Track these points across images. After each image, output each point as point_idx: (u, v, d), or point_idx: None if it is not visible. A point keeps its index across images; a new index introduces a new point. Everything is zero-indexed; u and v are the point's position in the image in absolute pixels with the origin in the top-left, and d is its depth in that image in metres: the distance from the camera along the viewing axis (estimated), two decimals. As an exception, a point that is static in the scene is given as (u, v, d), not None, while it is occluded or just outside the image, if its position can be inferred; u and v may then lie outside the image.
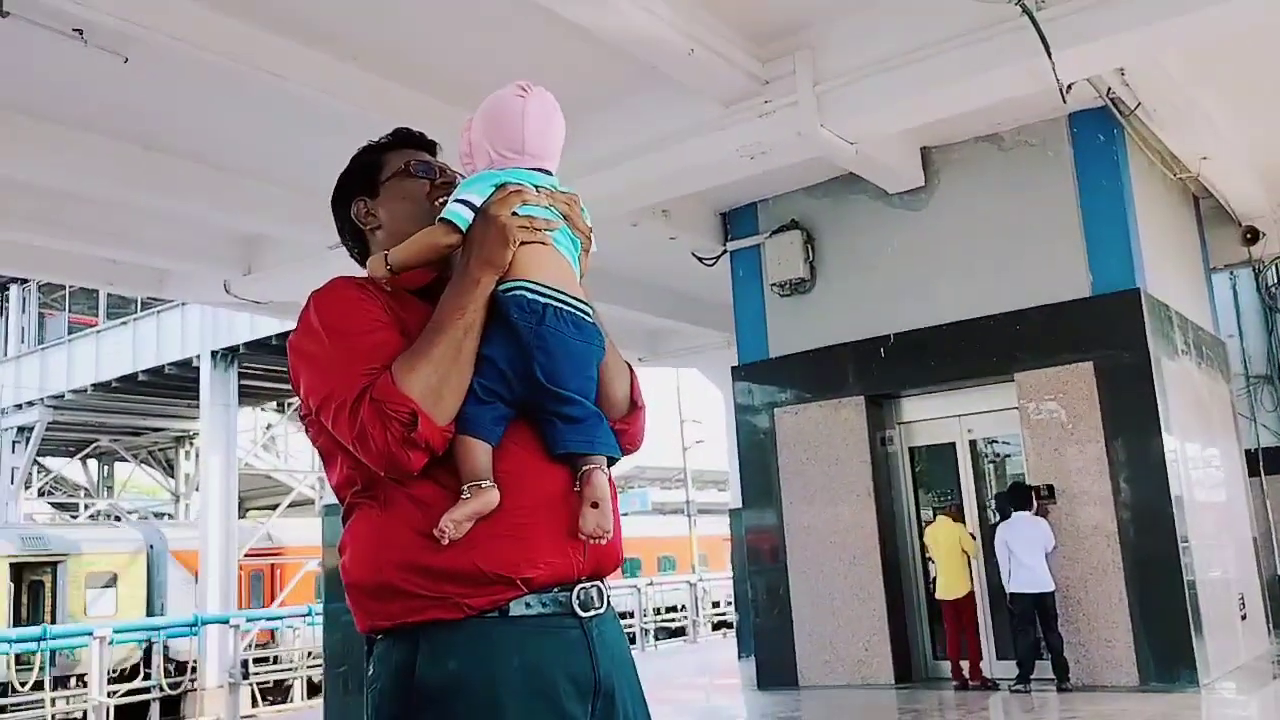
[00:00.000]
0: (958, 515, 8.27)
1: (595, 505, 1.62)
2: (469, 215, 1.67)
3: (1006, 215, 8.12)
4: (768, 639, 9.00)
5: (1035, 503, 7.70)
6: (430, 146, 1.94)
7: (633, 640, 18.71)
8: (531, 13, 5.33)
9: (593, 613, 1.61)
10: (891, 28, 6.14)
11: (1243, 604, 8.83)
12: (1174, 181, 9.10)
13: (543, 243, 1.69)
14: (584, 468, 1.65)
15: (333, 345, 1.62)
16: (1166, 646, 7.23)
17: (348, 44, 5.96)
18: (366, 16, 5.83)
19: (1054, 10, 5.48)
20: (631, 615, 18.83)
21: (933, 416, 8.77)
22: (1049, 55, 5.53)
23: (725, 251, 9.58)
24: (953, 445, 8.71)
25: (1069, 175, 7.90)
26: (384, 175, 1.86)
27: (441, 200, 1.75)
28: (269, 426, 25.50)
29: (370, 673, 1.60)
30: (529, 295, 1.64)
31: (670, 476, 41.06)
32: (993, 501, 8.36)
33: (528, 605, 1.55)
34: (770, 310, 9.26)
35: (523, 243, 1.66)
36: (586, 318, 1.69)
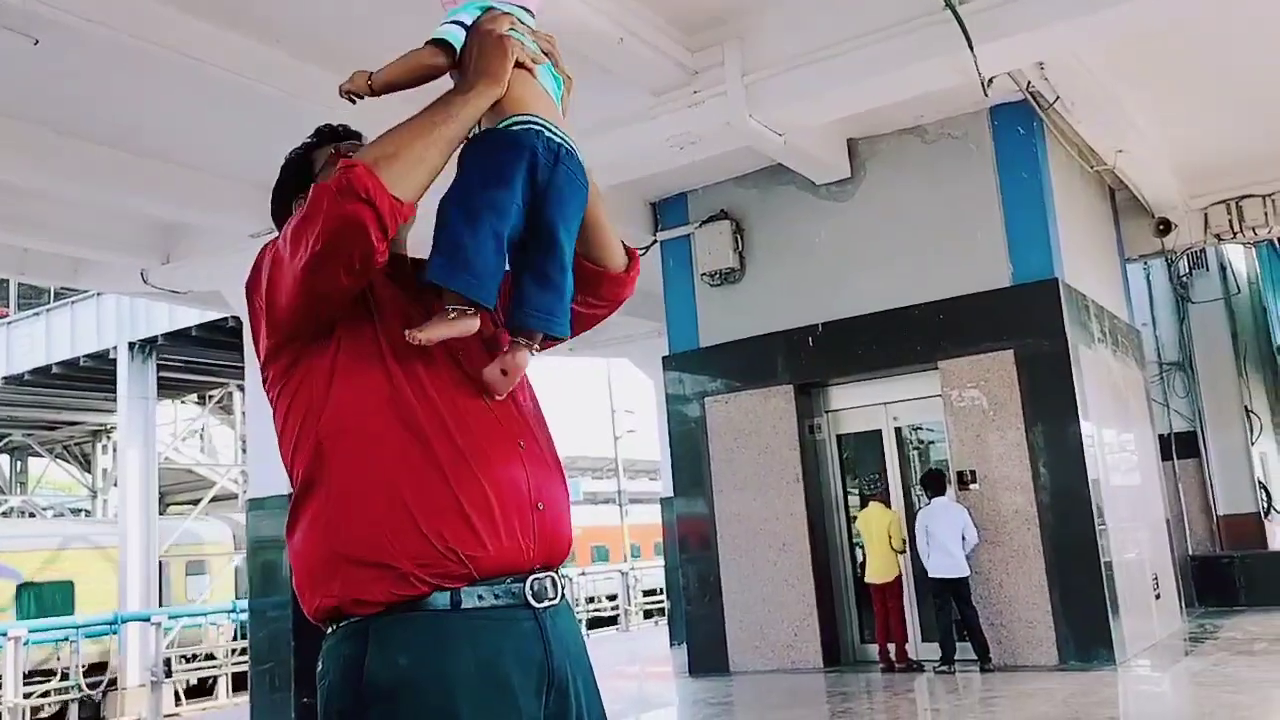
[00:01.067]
0: (888, 501, 8.43)
1: (505, 372, 1.62)
2: (461, 34, 1.62)
3: (930, 206, 8.26)
4: (699, 626, 9.07)
5: (951, 488, 7.89)
6: (356, 136, 1.90)
7: (615, 620, 18.75)
8: None
9: (546, 604, 1.58)
10: (819, 20, 6.20)
11: (1157, 584, 9.14)
12: (1091, 174, 9.35)
13: (531, 73, 1.65)
14: (517, 339, 1.62)
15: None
16: (1084, 626, 7.45)
17: (271, 28, 5.82)
18: (294, 2, 5.71)
19: (976, 4, 5.59)
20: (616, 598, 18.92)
21: (860, 404, 8.90)
22: (971, 48, 5.64)
23: (655, 241, 9.60)
24: (879, 432, 8.86)
25: (990, 167, 8.06)
26: (316, 170, 1.83)
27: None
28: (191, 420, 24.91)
29: (320, 667, 1.56)
30: (547, 133, 1.58)
31: (602, 466, 41.10)
32: (918, 487, 8.52)
33: (480, 597, 1.52)
34: (700, 300, 9.30)
35: (515, 67, 1.61)
36: (582, 160, 1.65)
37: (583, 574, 21.73)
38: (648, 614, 22.23)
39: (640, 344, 12.97)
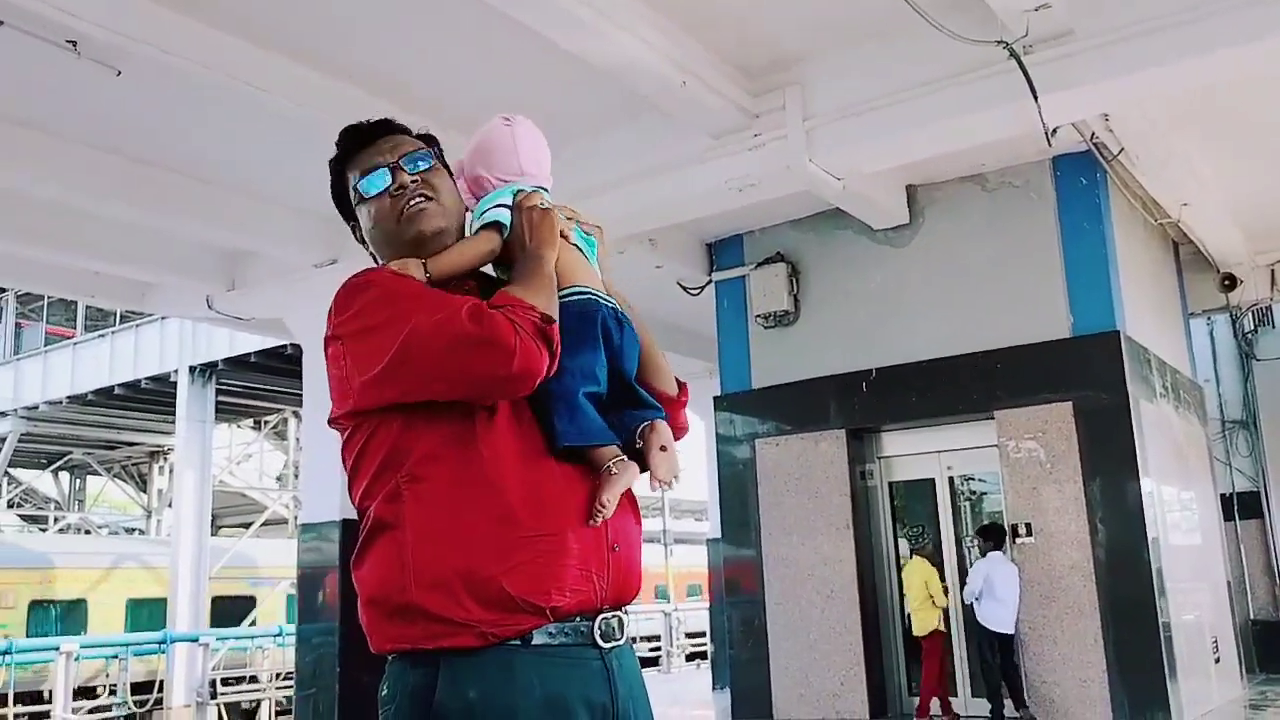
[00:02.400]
0: (932, 556, 8.32)
1: (664, 449, 1.68)
2: (508, 216, 1.76)
3: (989, 255, 8.19)
4: (743, 670, 8.96)
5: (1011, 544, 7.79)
6: (375, 134, 1.86)
7: (656, 662, 18.66)
8: (526, 39, 5.36)
9: (613, 644, 1.60)
10: (881, 66, 6.21)
11: (1216, 647, 8.86)
12: (1154, 227, 9.21)
13: (568, 239, 1.80)
14: (640, 426, 1.70)
15: (403, 299, 1.58)
16: (1140, 688, 7.24)
17: (337, 61, 5.97)
18: (360, 35, 5.85)
19: (1041, 54, 5.57)
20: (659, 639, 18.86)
21: (913, 452, 8.80)
22: (1035, 99, 5.61)
23: (710, 282, 9.62)
24: (932, 481, 8.74)
25: (1051, 217, 7.98)
26: (351, 199, 1.84)
27: (405, 207, 1.75)
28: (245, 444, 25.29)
29: (384, 692, 1.57)
30: (602, 301, 1.76)
31: (648, 505, 40.94)
32: (971, 539, 8.38)
33: (550, 634, 1.53)
34: (754, 341, 9.28)
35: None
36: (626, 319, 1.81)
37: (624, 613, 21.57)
38: (689, 657, 22.01)
39: (692, 384, 12.84)
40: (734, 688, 9.10)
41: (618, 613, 1.62)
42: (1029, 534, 7.72)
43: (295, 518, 20.06)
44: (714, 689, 11.79)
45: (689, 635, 22.68)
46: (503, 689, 1.48)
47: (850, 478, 8.58)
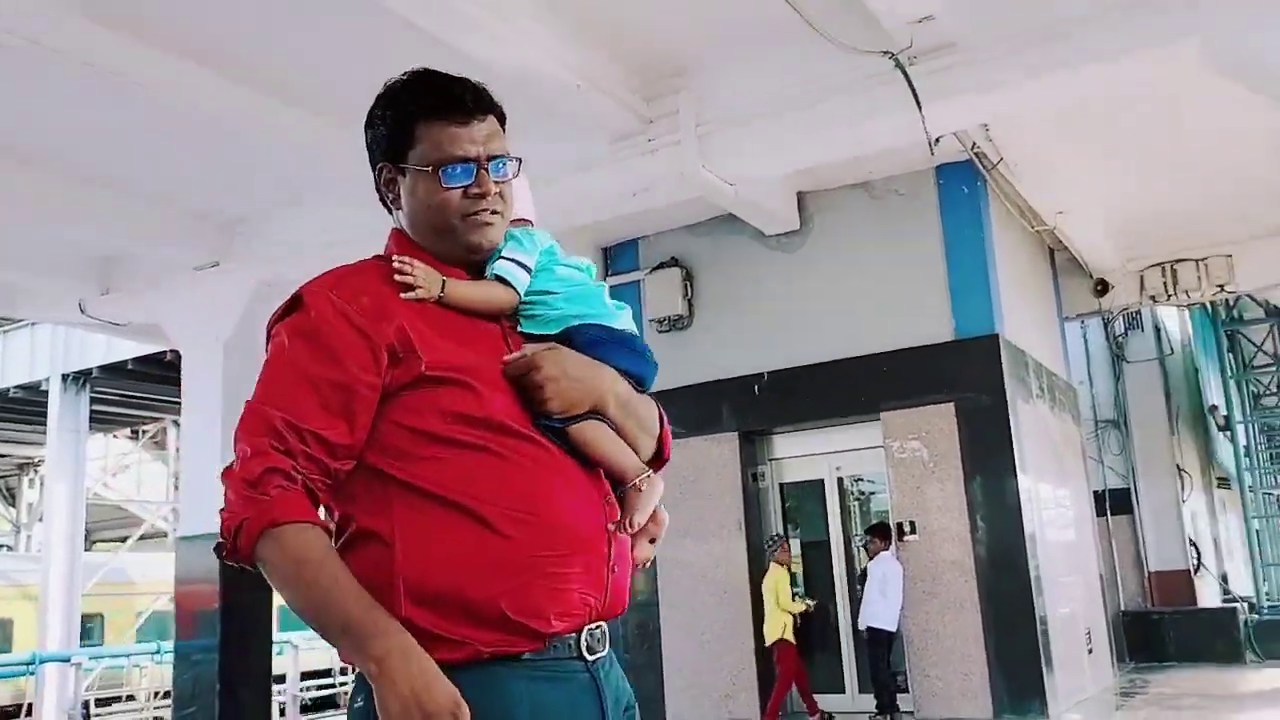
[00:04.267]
0: (784, 561, 8.27)
1: (653, 541, 1.67)
2: (525, 278, 1.68)
3: (876, 260, 8.40)
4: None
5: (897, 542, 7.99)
6: (471, 107, 1.65)
7: None
8: (420, 42, 5.28)
9: (597, 656, 1.54)
10: (772, 74, 6.31)
11: (1089, 638, 9.25)
12: (1032, 234, 9.59)
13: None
14: (638, 479, 1.63)
15: (291, 365, 1.51)
16: (1018, 679, 7.50)
17: (223, 58, 5.78)
18: (249, 33, 5.68)
19: (925, 65, 5.73)
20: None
21: (803, 453, 8.96)
22: (919, 108, 5.78)
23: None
24: (821, 482, 8.91)
25: (935, 224, 8.24)
26: (412, 156, 1.63)
27: (476, 215, 1.62)
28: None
29: (358, 704, 1.47)
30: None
31: (543, 511, 40.67)
32: (860, 537, 8.57)
33: (539, 651, 1.48)
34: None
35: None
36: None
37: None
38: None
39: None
40: (629, 691, 9.10)
41: (602, 624, 1.56)
42: (913, 532, 7.94)
43: (174, 530, 19.34)
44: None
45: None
46: (489, 705, 1.41)
47: (742, 480, 8.70)
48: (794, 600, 8.14)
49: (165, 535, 21.56)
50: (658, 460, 1.73)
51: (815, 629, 8.66)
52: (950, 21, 5.50)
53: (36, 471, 23.92)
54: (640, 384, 1.73)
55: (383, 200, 1.73)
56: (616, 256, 9.65)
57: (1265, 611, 12.75)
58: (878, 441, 8.20)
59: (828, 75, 6.03)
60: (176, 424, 20.06)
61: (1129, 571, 12.09)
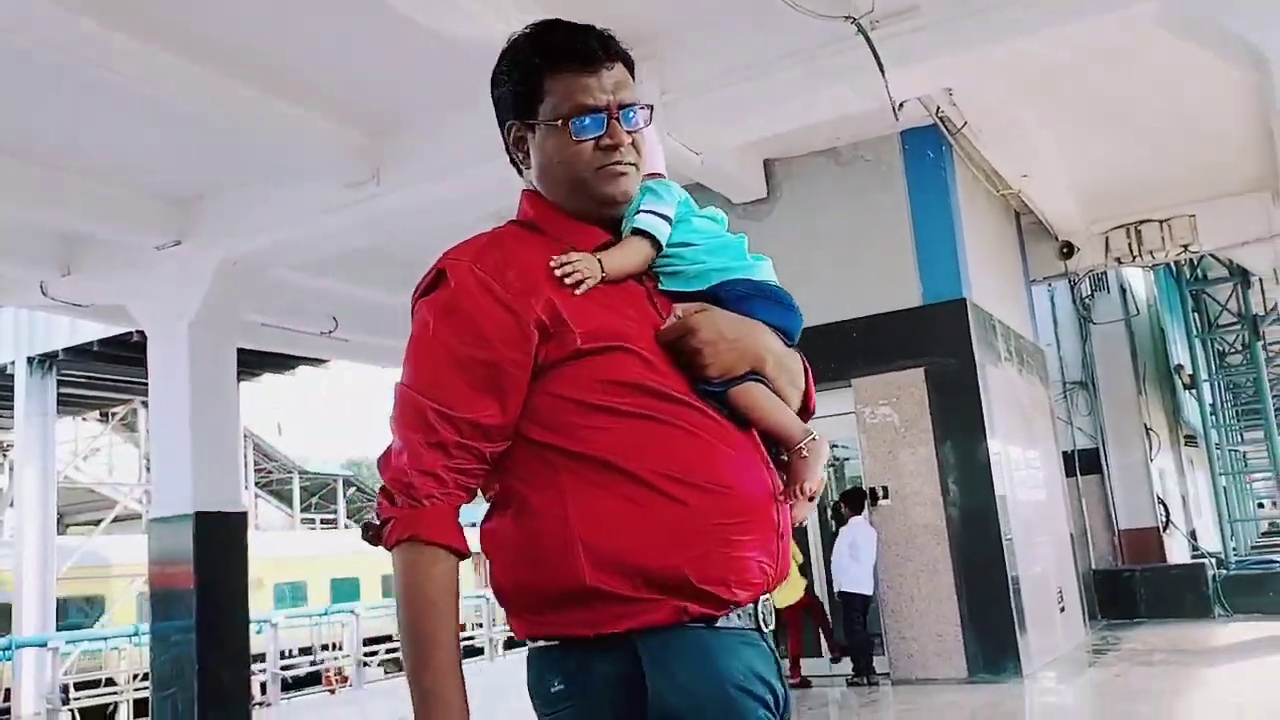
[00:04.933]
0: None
1: (812, 499, 1.58)
2: (666, 228, 1.61)
3: (844, 227, 8.41)
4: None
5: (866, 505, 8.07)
6: (599, 54, 1.57)
7: (480, 651, 18.44)
8: (388, 15, 5.22)
9: (770, 628, 1.50)
10: (737, 42, 6.28)
11: (1061, 598, 9.39)
12: (997, 198, 9.62)
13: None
14: (805, 440, 1.56)
15: (432, 340, 1.47)
16: (992, 640, 7.61)
17: (178, 36, 5.68)
18: (205, 9, 5.58)
19: (887, 30, 5.71)
20: (480, 626, 18.61)
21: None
22: (882, 74, 5.77)
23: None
24: (795, 449, 8.94)
25: (901, 190, 8.25)
26: (542, 110, 1.58)
27: (610, 166, 1.55)
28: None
29: (558, 688, 1.43)
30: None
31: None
32: (835, 504, 8.64)
33: (731, 619, 1.43)
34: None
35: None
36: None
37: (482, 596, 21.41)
38: (508, 644, 21.79)
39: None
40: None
41: (768, 598, 1.50)
42: (886, 496, 8.01)
43: (148, 512, 19.22)
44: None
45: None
46: (709, 672, 1.38)
47: (716, 449, 8.71)
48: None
49: (139, 517, 21.43)
50: (803, 414, 1.66)
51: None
52: (912, -15, 5.49)
53: (5, 456, 23.68)
54: (789, 338, 1.67)
55: (512, 160, 1.67)
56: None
57: (1233, 567, 12.97)
58: (849, 408, 8.25)
59: (791, 41, 6.00)
60: (146, 405, 19.90)
61: (1099, 530, 12.26)
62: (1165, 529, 12.53)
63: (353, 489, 40.21)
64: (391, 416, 1.48)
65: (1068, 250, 10.97)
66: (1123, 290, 13.09)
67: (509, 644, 21.13)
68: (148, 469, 20.21)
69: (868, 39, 5.66)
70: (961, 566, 7.73)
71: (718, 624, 1.41)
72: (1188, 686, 7.70)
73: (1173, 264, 13.54)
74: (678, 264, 1.61)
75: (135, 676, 15.61)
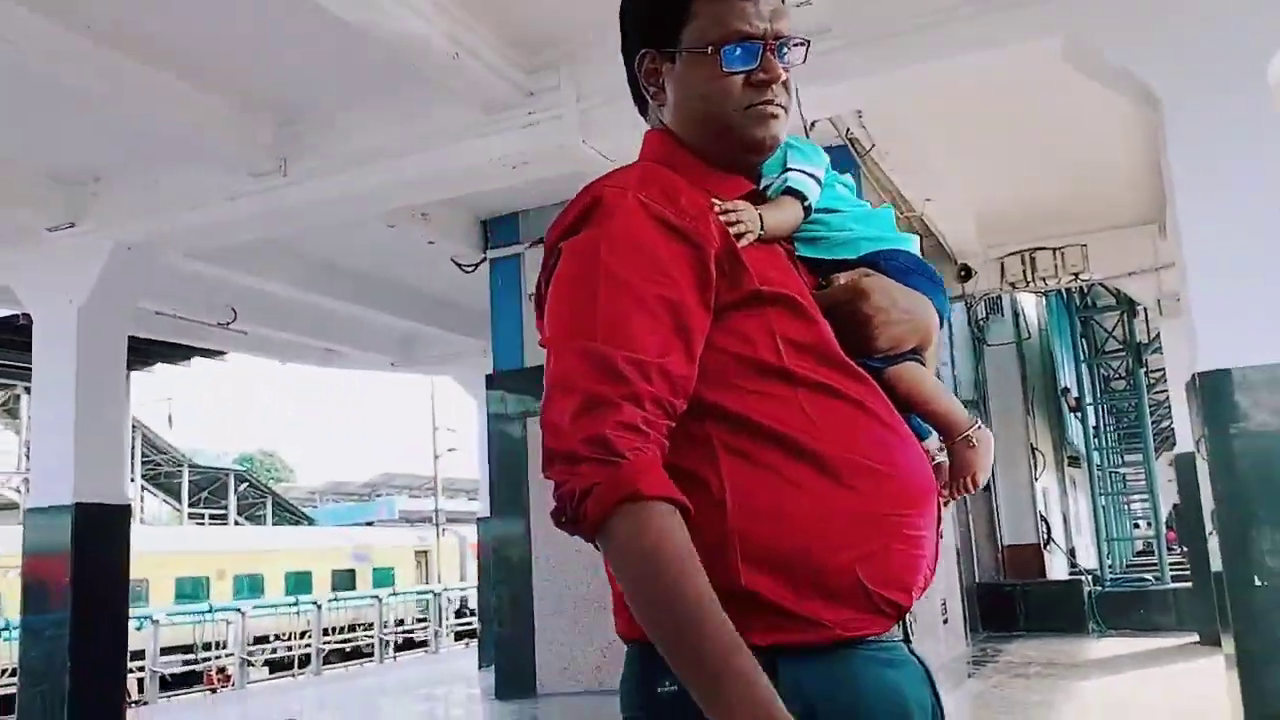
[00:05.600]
0: None
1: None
2: (816, 189, 1.47)
3: (754, 240, 8.52)
4: (508, 648, 8.98)
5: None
6: None
7: (371, 654, 18.20)
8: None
9: (914, 638, 1.34)
10: (654, 51, 6.31)
11: (945, 609, 9.66)
12: (901, 220, 9.87)
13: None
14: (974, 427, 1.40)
15: (604, 278, 1.22)
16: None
17: (79, 14, 5.48)
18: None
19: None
20: (371, 627, 18.35)
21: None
22: (795, 91, 5.86)
23: (485, 259, 9.54)
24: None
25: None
26: (686, 35, 1.37)
27: (761, 105, 1.37)
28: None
29: (669, 687, 1.16)
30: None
31: (420, 485, 40.27)
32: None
33: (885, 630, 1.27)
34: (528, 320, 9.28)
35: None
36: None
37: (394, 595, 21.18)
38: (458, 636, 21.83)
39: (465, 362, 12.82)
40: (499, 665, 9.12)
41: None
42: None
43: (24, 501, 18.41)
44: (480, 668, 11.77)
45: (458, 615, 22.54)
46: (851, 695, 1.21)
47: (619, 455, 8.73)
48: None
49: (16, 507, 20.53)
50: None
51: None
52: (827, 7, 5.60)
53: None
54: (942, 318, 1.52)
55: (640, 96, 1.47)
56: (496, 230, 9.56)
57: (1108, 584, 13.52)
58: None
59: (709, 55, 6.05)
60: (29, 390, 19.06)
61: (984, 545, 12.66)
62: (1046, 546, 13.00)
63: (245, 484, 39.17)
64: (554, 383, 1.21)
65: (965, 273, 11.31)
66: (1016, 314, 13.55)
67: (458, 637, 20.82)
68: (26, 456, 19.37)
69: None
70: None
71: (869, 638, 1.23)
72: (1059, 698, 8.00)
73: (1064, 291, 14.07)
74: (822, 230, 1.47)
75: (4, 672, 14.95)
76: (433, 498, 33.71)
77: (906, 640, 1.31)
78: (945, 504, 1.40)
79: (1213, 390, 4.64)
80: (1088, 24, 5.23)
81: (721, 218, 1.29)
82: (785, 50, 1.39)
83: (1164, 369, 13.37)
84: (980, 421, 1.42)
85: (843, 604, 1.20)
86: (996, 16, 5.49)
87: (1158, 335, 16.50)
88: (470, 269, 9.60)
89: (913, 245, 1.54)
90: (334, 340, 12.24)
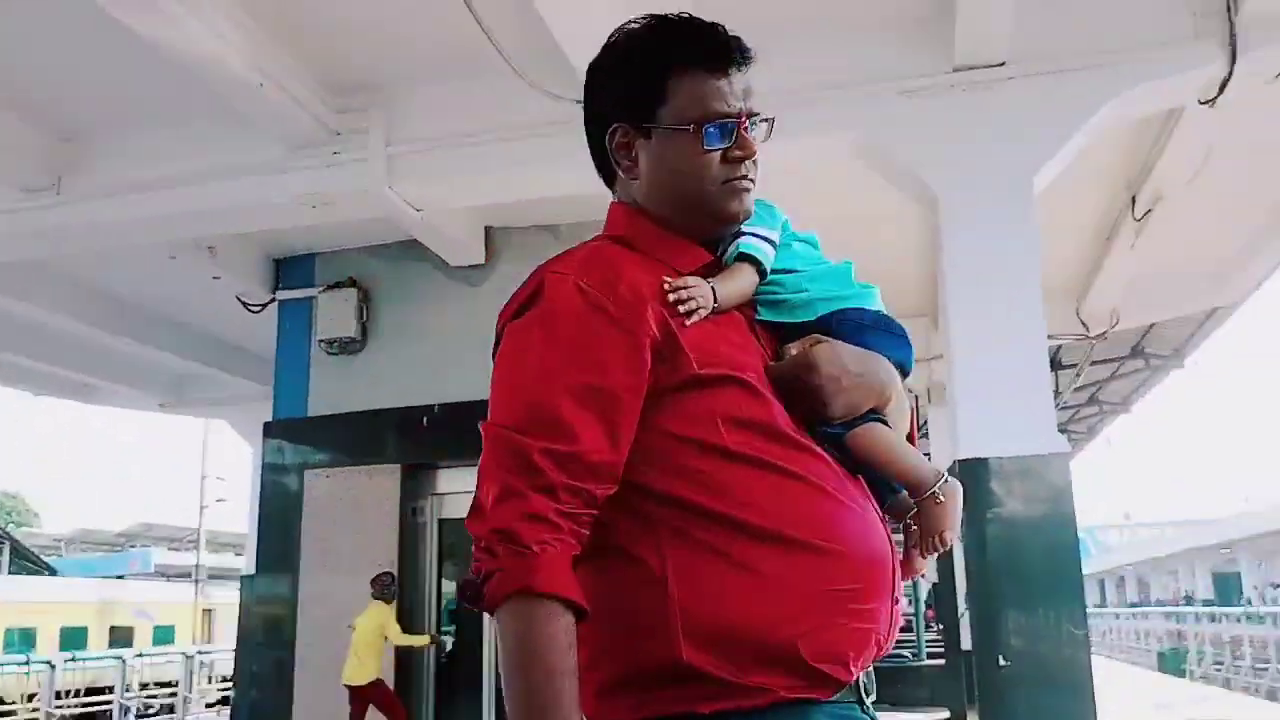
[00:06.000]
0: (390, 598, 8.16)
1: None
2: (770, 252, 1.47)
3: (555, 304, 8.54)
4: (264, 715, 8.43)
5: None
6: (730, 56, 1.43)
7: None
8: (81, 8, 4.81)
9: (871, 698, 1.36)
10: (469, 105, 6.30)
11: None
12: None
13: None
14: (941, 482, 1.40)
15: (535, 366, 1.28)
16: None
17: None
18: None
19: (615, 121, 5.92)
20: (112, 690, 16.90)
21: (467, 489, 8.81)
22: (606, 161, 5.96)
23: (274, 300, 9.12)
24: (482, 520, 8.85)
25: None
26: (663, 116, 1.42)
27: (736, 180, 1.42)
28: None
29: None
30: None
31: (183, 536, 37.79)
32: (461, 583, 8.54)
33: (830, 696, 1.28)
34: (315, 367, 8.91)
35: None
36: None
37: (139, 656, 19.60)
38: (211, 703, 20.39)
39: (243, 407, 12.14)
40: (254, 733, 8.55)
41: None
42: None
43: None
44: (234, 736, 10.98)
45: (224, 679, 21.08)
46: None
47: (401, 514, 8.47)
48: (416, 634, 8.08)
49: None
50: None
51: (459, 667, 8.55)
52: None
53: None
54: (904, 371, 1.53)
55: (609, 167, 1.51)
56: (289, 270, 9.18)
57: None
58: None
59: (524, 115, 6.09)
60: None
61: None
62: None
63: (-20, 528, 35.56)
64: (481, 467, 1.28)
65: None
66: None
67: (211, 704, 19.48)
68: None
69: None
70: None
71: (822, 702, 1.26)
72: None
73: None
74: (780, 292, 1.48)
75: None
76: (194, 551, 31.63)
77: (860, 702, 1.32)
78: (921, 559, 1.44)
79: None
80: (881, 127, 5.59)
81: (671, 297, 1.32)
82: (754, 126, 1.44)
83: (929, 454, 14.23)
84: (947, 476, 1.42)
85: (785, 674, 1.22)
86: (796, 113, 5.79)
87: (926, 422, 17.63)
88: (257, 309, 9.15)
89: (873, 299, 1.55)
90: (97, 374, 11.32)
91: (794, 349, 1.41)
